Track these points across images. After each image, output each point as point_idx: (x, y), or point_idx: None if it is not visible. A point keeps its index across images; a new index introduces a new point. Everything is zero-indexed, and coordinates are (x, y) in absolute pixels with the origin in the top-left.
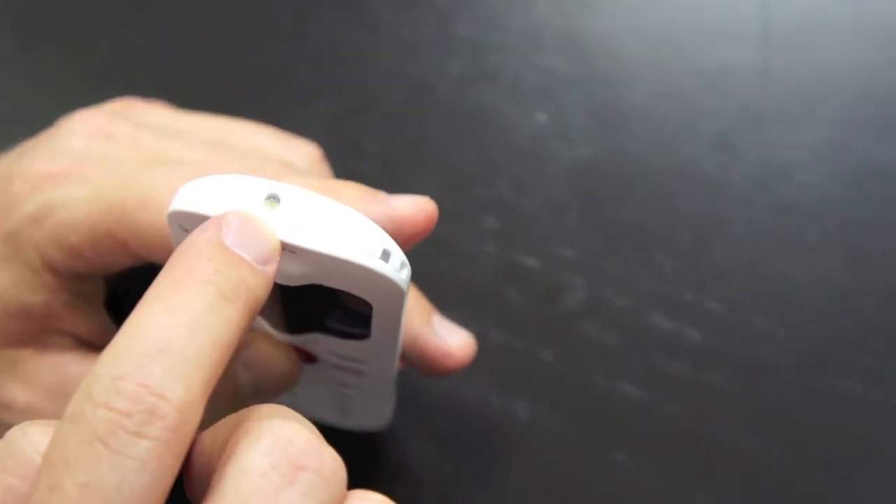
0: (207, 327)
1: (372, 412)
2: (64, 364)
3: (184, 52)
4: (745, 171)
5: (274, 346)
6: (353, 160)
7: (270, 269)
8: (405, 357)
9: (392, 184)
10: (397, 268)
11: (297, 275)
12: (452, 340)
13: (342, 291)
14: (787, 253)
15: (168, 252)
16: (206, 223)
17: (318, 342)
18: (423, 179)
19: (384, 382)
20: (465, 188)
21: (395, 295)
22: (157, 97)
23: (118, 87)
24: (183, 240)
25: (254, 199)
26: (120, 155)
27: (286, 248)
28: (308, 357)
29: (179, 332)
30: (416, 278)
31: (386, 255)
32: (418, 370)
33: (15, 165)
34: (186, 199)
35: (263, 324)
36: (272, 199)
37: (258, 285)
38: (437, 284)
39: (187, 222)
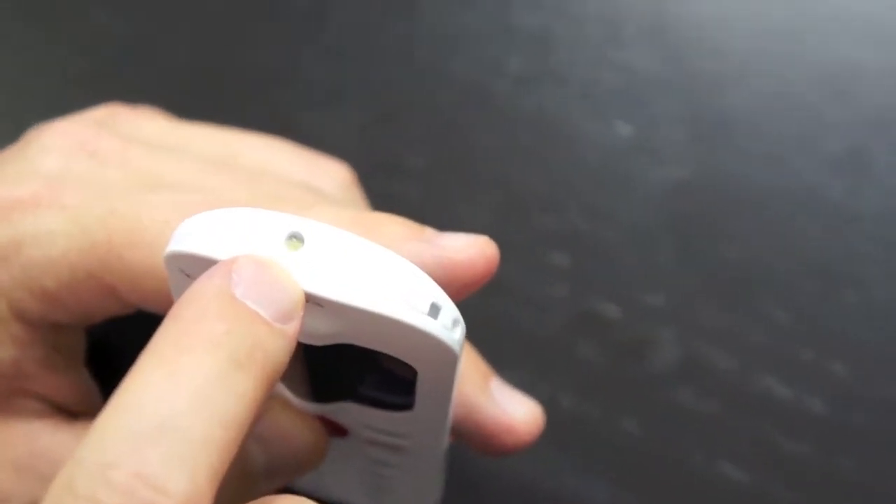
0: (216, 401)
1: (414, 497)
2: (34, 435)
3: (177, 45)
4: (880, 199)
5: (295, 417)
6: (387, 180)
7: (292, 327)
8: (456, 431)
9: (435, 211)
10: (448, 326)
11: (326, 333)
12: (515, 411)
13: (380, 353)
14: None
15: (165, 299)
16: (213, 269)
17: (349, 412)
18: (473, 205)
19: (430, 461)
20: (527, 216)
21: (446, 359)
22: (146, 101)
23: (97, 87)
24: (183, 288)
25: (272, 239)
26: (105, 177)
27: (311, 301)
28: (337, 430)
29: (182, 407)
30: (468, 330)
31: (435, 311)
32: (473, 447)
33: None
34: (188, 239)
35: (282, 389)
36: (295, 240)
37: (278, 349)
38: (494, 338)
39: (189, 266)
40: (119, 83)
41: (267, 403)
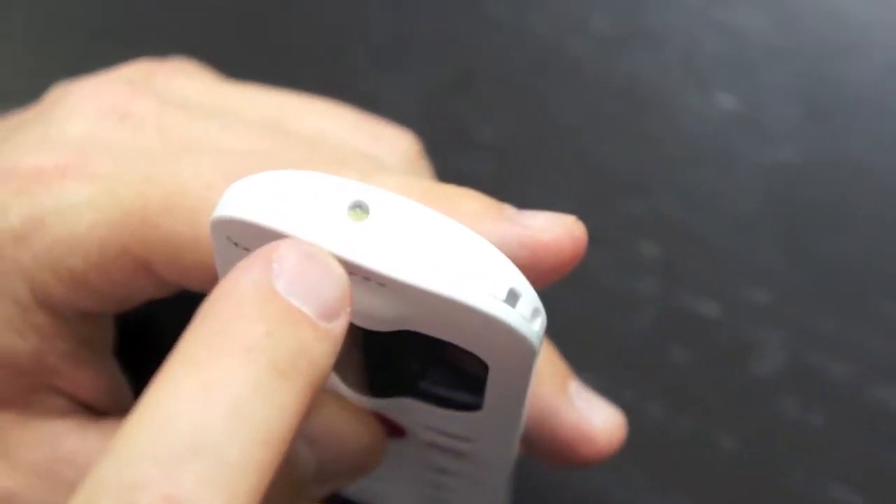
0: (255, 416)
1: None
2: (56, 436)
3: None
4: None
5: (349, 414)
6: (455, 154)
7: (338, 326)
8: (527, 439)
9: (508, 191)
10: (527, 316)
11: (387, 317)
12: (596, 418)
13: (448, 343)
14: None
15: (209, 274)
16: (251, 258)
17: (408, 410)
18: (553, 183)
19: (496, 471)
20: (612, 199)
21: (523, 353)
22: (188, 46)
23: (129, 39)
24: (231, 260)
25: (334, 207)
26: (138, 143)
27: (373, 279)
28: (394, 429)
29: (218, 423)
30: (547, 327)
31: (513, 298)
32: (545, 458)
33: None
34: (238, 203)
35: (334, 380)
36: (359, 209)
37: (323, 354)
38: (573, 336)
39: (239, 235)
40: (154, 34)
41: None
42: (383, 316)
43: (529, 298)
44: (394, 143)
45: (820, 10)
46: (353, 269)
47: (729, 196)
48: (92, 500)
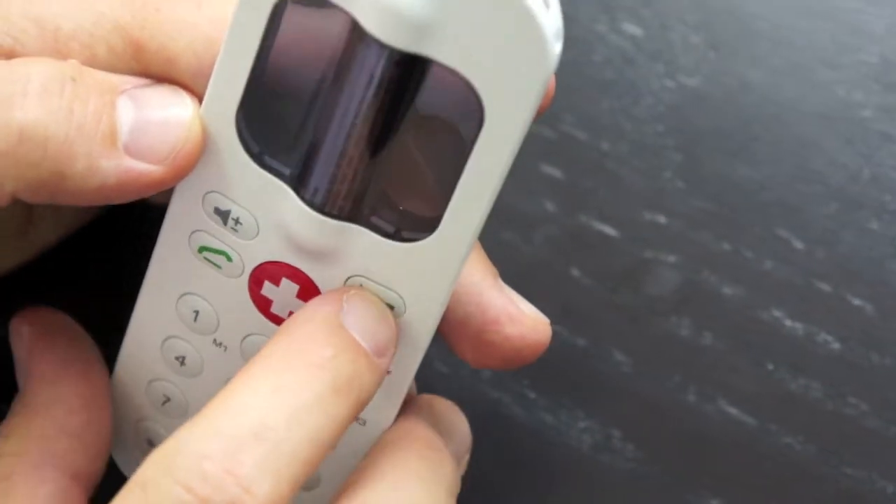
0: (311, 421)
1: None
2: None
3: None
4: None
5: None
6: None
7: (385, 362)
8: (452, 321)
9: None
10: (554, 31)
11: (420, 18)
12: (526, 307)
13: (424, 150)
14: None
15: (195, 65)
16: (325, 296)
17: (349, 245)
18: None
19: (410, 355)
20: None
21: (534, 77)
22: None
23: None
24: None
25: None
26: None
27: None
28: (308, 292)
29: (280, 420)
30: None
31: (546, 4)
32: (468, 347)
33: None
34: None
35: (290, 195)
36: None
37: (372, 382)
38: None
39: None
40: None
41: None
42: (417, 15)
43: (557, 14)
44: None
45: None
46: None
47: (631, 122)
48: (169, 457)
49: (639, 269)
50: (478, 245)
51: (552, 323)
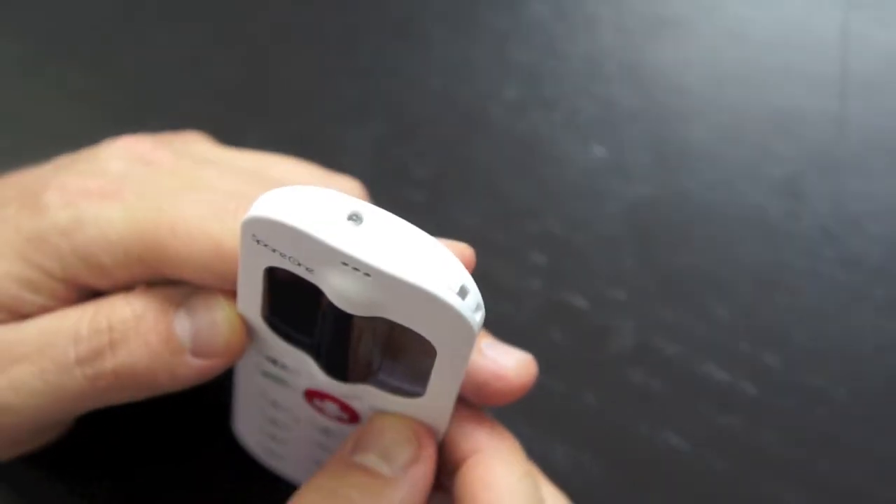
0: None
1: None
2: None
3: (227, 66)
4: (813, 221)
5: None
6: (399, 186)
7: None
8: None
9: (438, 212)
10: (473, 308)
11: (367, 302)
12: (506, 362)
13: (407, 339)
14: (854, 309)
15: (205, 278)
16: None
17: (365, 396)
18: (469, 209)
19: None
20: (513, 221)
21: (465, 338)
22: (199, 110)
23: (158, 100)
24: (254, 254)
25: (336, 214)
26: (158, 181)
27: (361, 270)
28: (352, 416)
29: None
30: None
31: (464, 293)
32: (470, 399)
33: (51, 176)
34: (265, 207)
35: (314, 368)
36: (355, 218)
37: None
38: None
39: (264, 233)
40: (175, 95)
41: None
42: (364, 300)
43: (475, 295)
44: (345, 186)
45: (669, 85)
46: (347, 260)
47: (598, 220)
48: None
49: (604, 332)
50: None
51: (540, 373)
